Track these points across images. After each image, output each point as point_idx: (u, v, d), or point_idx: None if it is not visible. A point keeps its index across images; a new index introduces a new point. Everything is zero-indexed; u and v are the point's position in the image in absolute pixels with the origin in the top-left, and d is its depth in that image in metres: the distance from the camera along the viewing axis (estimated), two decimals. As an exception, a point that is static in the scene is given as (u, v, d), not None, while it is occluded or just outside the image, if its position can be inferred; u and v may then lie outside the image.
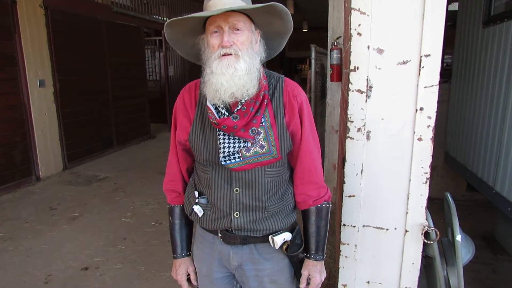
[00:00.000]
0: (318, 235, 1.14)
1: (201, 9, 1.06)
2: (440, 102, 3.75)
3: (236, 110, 1.02)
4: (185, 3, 8.44)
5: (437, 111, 1.18)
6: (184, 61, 8.48)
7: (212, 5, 1.00)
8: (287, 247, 1.13)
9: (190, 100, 1.12)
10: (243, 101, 1.01)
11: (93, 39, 5.60)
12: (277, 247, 1.11)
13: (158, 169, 5.08)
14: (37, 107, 4.59)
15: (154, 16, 7.46)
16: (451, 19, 4.03)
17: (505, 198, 2.28)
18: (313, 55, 3.42)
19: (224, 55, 0.97)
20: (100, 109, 5.81)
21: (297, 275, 1.20)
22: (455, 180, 3.75)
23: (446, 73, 4.33)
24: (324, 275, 1.16)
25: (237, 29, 0.98)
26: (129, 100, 6.58)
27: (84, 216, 3.57)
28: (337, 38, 2.91)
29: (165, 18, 7.78)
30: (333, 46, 2.89)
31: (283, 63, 14.90)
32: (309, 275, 1.15)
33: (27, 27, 4.39)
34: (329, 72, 3.04)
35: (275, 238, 1.10)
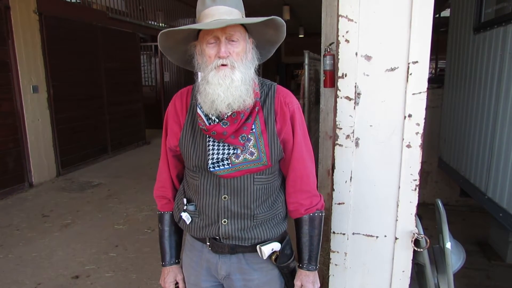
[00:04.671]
0: (311, 244, 1.12)
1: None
2: (433, 107, 3.73)
3: (226, 116, 1.01)
4: (181, 9, 8.47)
5: (425, 118, 1.18)
6: (180, 67, 8.47)
7: (209, 14, 0.99)
8: (276, 258, 1.11)
9: (181, 106, 1.12)
10: (235, 110, 1.00)
11: (88, 45, 5.59)
12: (264, 257, 1.09)
13: (152, 175, 5.03)
14: (31, 113, 4.56)
15: (150, 22, 7.47)
16: (445, 24, 4.07)
17: (497, 204, 2.28)
18: (306, 61, 3.43)
19: (221, 65, 0.97)
20: (94, 115, 5.78)
21: (288, 286, 1.18)
22: (449, 185, 3.75)
23: (440, 78, 4.36)
24: (317, 285, 1.14)
25: (233, 40, 0.98)
26: (124, 106, 6.57)
27: (76, 223, 3.53)
28: (330, 44, 2.92)
29: (161, 24, 7.80)
30: (326, 52, 2.90)
31: (279, 68, 14.96)
32: (301, 285, 1.13)
33: (21, 33, 4.38)
34: (322, 78, 3.04)
35: (262, 248, 1.08)
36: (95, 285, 2.50)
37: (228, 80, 0.96)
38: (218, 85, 0.96)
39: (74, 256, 2.88)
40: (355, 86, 1.21)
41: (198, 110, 1.04)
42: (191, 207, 1.12)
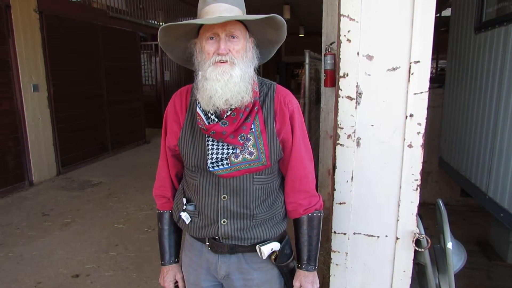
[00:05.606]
0: (309, 244, 1.12)
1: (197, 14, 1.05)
2: (434, 107, 3.73)
3: (225, 116, 1.01)
4: (181, 8, 8.45)
5: (427, 118, 1.17)
6: (180, 66, 8.46)
7: (209, 11, 0.98)
8: (275, 257, 1.11)
9: (181, 105, 1.12)
10: (233, 107, 1.00)
11: (88, 44, 5.58)
12: (264, 257, 1.09)
13: (152, 174, 5.00)
14: (31, 111, 4.56)
15: (150, 21, 7.46)
16: (446, 24, 4.06)
17: (498, 203, 2.27)
18: (307, 61, 3.43)
19: (220, 62, 0.96)
20: (94, 114, 5.78)
21: (287, 285, 1.18)
22: (449, 185, 3.75)
23: (441, 78, 4.35)
24: (316, 285, 1.14)
25: (233, 37, 0.98)
26: (124, 105, 6.56)
27: (76, 222, 3.53)
28: (331, 44, 2.92)
29: (161, 23, 7.79)
30: (327, 52, 2.90)
31: (279, 68, 14.96)
32: (300, 286, 1.13)
33: (21, 31, 4.37)
34: (323, 77, 3.04)
35: (262, 248, 1.08)
36: (95, 284, 2.50)
37: (227, 76, 0.96)
38: (216, 81, 0.96)
39: (74, 255, 2.88)
40: (357, 86, 1.21)
41: (198, 109, 1.03)
42: (190, 207, 1.12)
